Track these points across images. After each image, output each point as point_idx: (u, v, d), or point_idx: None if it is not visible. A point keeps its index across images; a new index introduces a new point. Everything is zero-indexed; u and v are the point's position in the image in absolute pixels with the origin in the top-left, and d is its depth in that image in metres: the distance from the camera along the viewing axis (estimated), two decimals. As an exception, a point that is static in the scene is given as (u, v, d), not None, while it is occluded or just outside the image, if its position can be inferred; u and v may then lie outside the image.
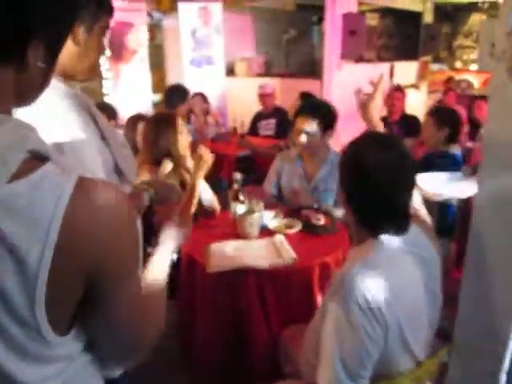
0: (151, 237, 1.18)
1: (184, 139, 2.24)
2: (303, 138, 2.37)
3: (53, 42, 0.60)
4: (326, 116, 2.40)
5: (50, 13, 0.57)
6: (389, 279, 1.07)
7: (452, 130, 2.88)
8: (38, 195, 0.53)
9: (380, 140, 1.20)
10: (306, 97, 4.13)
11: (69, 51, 1.12)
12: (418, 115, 4.33)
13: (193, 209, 2.14)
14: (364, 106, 1.61)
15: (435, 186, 2.50)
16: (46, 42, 0.58)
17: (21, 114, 0.98)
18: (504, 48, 1.18)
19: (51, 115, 1.02)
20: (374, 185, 1.09)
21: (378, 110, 1.77)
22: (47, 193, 0.54)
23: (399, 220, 1.15)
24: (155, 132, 2.17)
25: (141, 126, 2.98)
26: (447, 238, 2.69)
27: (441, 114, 2.95)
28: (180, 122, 2.24)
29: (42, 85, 0.63)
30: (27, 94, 0.62)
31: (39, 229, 0.53)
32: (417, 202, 1.37)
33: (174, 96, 3.98)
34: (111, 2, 1.15)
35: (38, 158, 0.56)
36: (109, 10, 1.15)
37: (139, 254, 0.68)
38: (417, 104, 5.79)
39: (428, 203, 2.40)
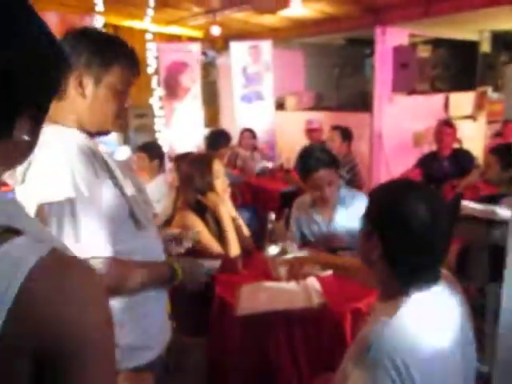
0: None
1: (220, 184, 2.15)
2: (328, 191, 2.29)
3: (38, 115, 0.60)
4: (336, 161, 2.37)
5: (36, 89, 0.58)
6: (420, 338, 0.99)
7: None
8: None
9: (418, 189, 1.12)
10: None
11: (78, 105, 1.14)
12: (476, 148, 4.14)
13: (232, 243, 2.12)
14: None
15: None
16: (31, 116, 0.58)
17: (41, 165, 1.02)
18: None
19: (63, 172, 1.06)
20: (418, 236, 1.03)
21: None
22: (6, 267, 0.52)
23: (434, 271, 1.10)
24: (190, 172, 2.16)
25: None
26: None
27: (506, 152, 2.77)
28: (218, 166, 2.16)
29: (27, 152, 0.63)
30: (13, 160, 0.62)
31: None
32: None
33: (218, 140, 4.07)
34: (119, 56, 1.16)
35: (10, 233, 0.55)
36: (116, 63, 1.15)
37: (110, 343, 0.59)
38: (474, 136, 5.54)
39: (479, 252, 2.21)
